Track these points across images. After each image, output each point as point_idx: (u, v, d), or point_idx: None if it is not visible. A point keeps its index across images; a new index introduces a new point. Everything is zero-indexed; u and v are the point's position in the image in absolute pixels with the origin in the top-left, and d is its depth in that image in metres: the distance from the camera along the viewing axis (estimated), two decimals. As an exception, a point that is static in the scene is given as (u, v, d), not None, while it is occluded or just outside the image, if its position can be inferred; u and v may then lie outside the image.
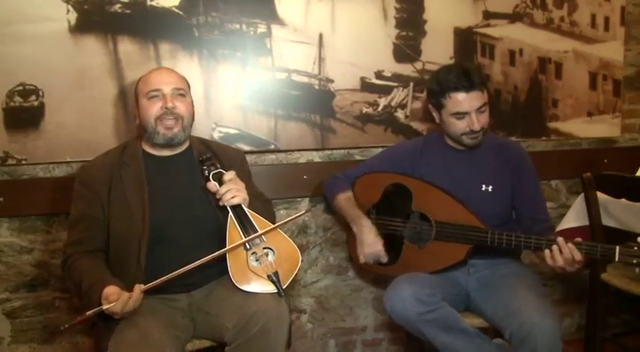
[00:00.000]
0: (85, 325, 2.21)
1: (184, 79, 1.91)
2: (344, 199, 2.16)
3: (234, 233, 1.75)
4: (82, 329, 2.25)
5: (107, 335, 1.64)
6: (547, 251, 1.79)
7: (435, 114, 2.05)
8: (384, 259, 2.05)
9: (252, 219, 1.77)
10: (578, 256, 1.75)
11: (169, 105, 1.80)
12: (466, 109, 1.93)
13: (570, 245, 1.76)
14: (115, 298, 1.58)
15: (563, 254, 1.76)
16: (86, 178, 1.82)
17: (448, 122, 1.99)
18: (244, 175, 1.94)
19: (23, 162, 2.14)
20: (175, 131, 1.83)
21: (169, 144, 1.85)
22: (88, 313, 1.57)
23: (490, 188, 2.02)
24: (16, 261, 2.20)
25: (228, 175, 1.81)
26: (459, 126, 1.97)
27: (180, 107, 1.83)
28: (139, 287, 1.62)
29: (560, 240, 1.78)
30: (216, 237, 1.79)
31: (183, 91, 1.86)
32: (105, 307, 1.57)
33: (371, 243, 2.04)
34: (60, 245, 2.17)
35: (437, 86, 1.97)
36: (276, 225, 1.80)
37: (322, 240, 2.49)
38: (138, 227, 1.75)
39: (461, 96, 1.92)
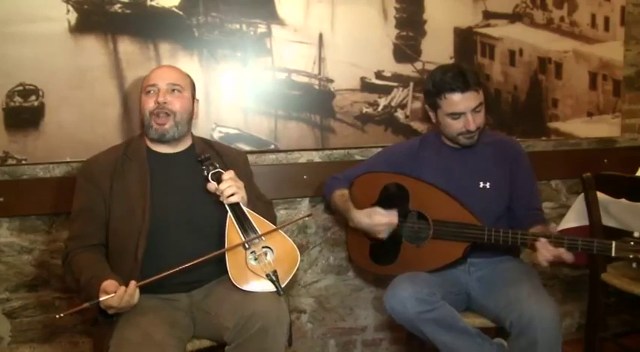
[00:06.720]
0: (85, 324, 2.23)
1: (185, 76, 1.91)
2: (338, 195, 2.17)
3: (233, 232, 1.75)
4: (82, 329, 2.26)
5: (108, 333, 1.63)
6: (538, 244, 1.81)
7: (431, 114, 2.07)
8: (395, 220, 2.02)
9: (251, 219, 1.77)
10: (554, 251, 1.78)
11: (160, 99, 1.80)
12: (462, 110, 1.95)
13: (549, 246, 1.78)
14: (112, 290, 1.57)
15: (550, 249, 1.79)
16: (89, 172, 1.82)
17: (444, 122, 2.01)
18: (246, 176, 1.94)
19: (23, 162, 2.14)
20: (166, 127, 1.82)
21: (161, 139, 1.85)
22: (85, 304, 1.56)
23: (488, 185, 2.02)
24: (16, 261, 2.19)
25: (227, 174, 1.80)
26: (455, 126, 1.98)
27: (174, 103, 1.82)
28: (134, 283, 1.61)
29: (553, 234, 1.80)
30: (217, 236, 1.79)
31: (180, 87, 1.85)
32: (102, 298, 1.56)
33: (385, 213, 2.01)
34: (60, 245, 2.17)
35: (433, 87, 1.99)
36: (275, 227, 1.80)
37: (322, 240, 2.49)
38: (137, 222, 1.75)
39: (456, 96, 1.94)
